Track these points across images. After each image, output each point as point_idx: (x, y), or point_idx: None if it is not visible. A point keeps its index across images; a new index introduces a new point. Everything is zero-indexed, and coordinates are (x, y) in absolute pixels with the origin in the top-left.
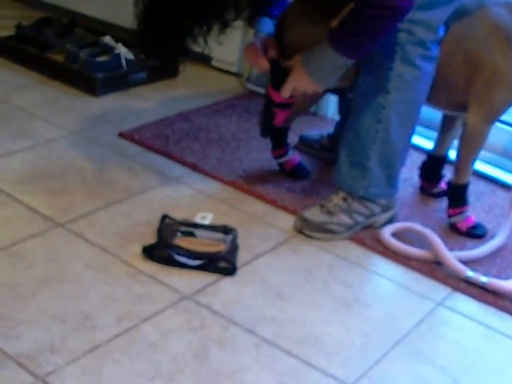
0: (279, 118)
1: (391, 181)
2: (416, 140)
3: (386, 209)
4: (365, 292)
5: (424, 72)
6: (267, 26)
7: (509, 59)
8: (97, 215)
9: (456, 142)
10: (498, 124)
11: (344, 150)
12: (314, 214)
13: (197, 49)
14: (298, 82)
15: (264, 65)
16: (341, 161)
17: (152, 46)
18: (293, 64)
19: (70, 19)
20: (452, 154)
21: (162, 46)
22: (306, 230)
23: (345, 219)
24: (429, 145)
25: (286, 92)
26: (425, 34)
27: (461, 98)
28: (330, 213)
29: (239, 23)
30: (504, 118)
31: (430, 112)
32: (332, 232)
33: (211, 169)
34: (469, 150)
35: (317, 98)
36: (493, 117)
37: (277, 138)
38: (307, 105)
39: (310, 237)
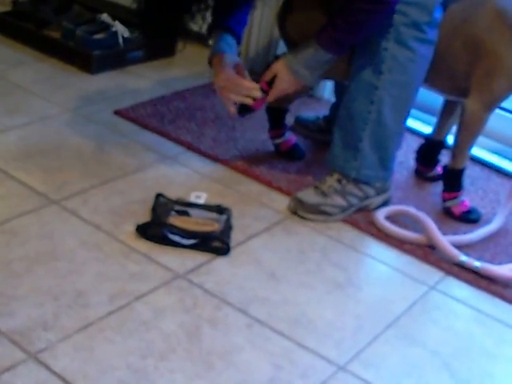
0: (259, 102)
1: (385, 164)
2: (412, 124)
3: (380, 191)
4: (358, 274)
5: (419, 55)
6: (229, 46)
7: (511, 48)
8: (91, 193)
9: (454, 127)
10: (495, 110)
11: (337, 130)
12: (309, 195)
13: (194, 27)
14: (284, 85)
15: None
16: (334, 141)
17: (151, 23)
18: (275, 70)
19: None
20: (450, 139)
21: (161, 24)
22: (300, 211)
23: (339, 201)
24: (425, 129)
25: (272, 97)
26: (419, 15)
27: (462, 84)
28: (324, 194)
29: None
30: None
31: (428, 96)
32: (326, 214)
33: (207, 148)
34: (467, 135)
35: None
36: (492, 104)
37: (275, 118)
38: (307, 88)
39: (304, 218)
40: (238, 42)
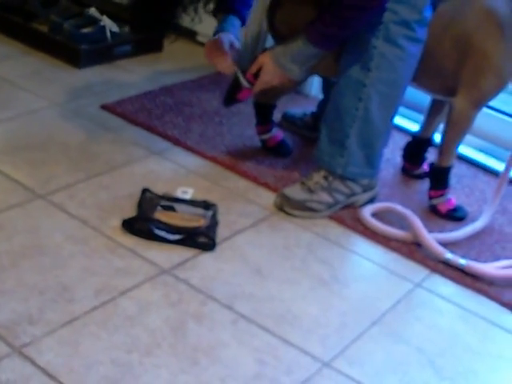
0: (244, 94)
1: (371, 161)
2: (399, 121)
3: (367, 189)
4: (343, 271)
5: (408, 53)
6: (232, 27)
7: (499, 46)
8: (77, 187)
9: (442, 125)
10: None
11: (324, 126)
12: (295, 191)
13: (186, 19)
14: (268, 77)
15: (228, 66)
16: (321, 137)
17: (143, 18)
18: (261, 62)
19: None
20: (437, 137)
21: (153, 17)
22: (286, 207)
23: (325, 197)
24: (413, 127)
25: (257, 88)
26: (409, 14)
27: (451, 83)
28: (310, 191)
29: None
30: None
31: (415, 94)
32: (312, 210)
33: (193, 144)
34: (454, 133)
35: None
36: (480, 102)
37: (262, 114)
38: (295, 84)
39: (290, 214)
40: (243, 24)
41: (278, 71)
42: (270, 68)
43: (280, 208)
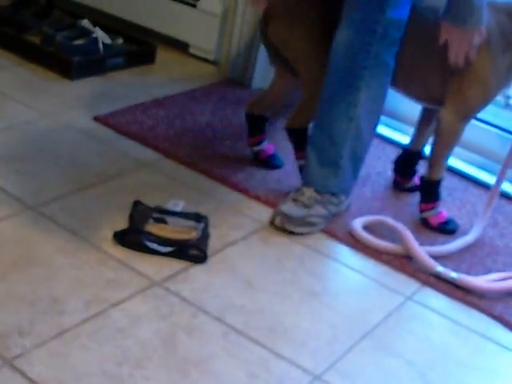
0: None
1: (356, 172)
2: (391, 134)
3: (347, 194)
4: (334, 284)
5: (391, 67)
6: None
7: (486, 60)
8: (69, 199)
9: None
10: (472, 121)
11: (312, 149)
12: (292, 208)
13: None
14: (463, 45)
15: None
16: (310, 160)
17: None
18: (445, 37)
19: (48, 1)
20: (427, 150)
21: None
22: (287, 225)
23: (321, 211)
24: (404, 140)
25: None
26: (397, 32)
27: (438, 93)
28: (306, 206)
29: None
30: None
31: (408, 108)
32: (312, 225)
33: (185, 156)
34: (443, 146)
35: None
36: (467, 115)
37: (254, 125)
38: (291, 98)
39: (293, 232)
40: None
41: (464, 32)
42: (457, 36)
43: (282, 227)
